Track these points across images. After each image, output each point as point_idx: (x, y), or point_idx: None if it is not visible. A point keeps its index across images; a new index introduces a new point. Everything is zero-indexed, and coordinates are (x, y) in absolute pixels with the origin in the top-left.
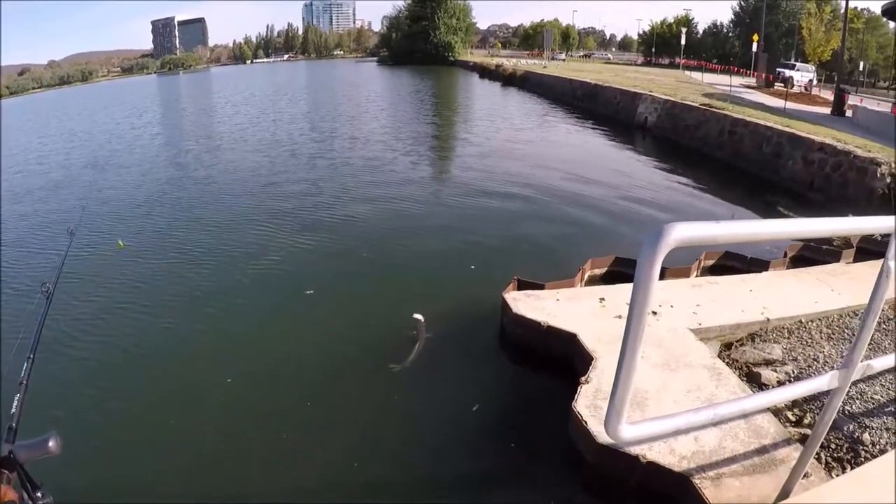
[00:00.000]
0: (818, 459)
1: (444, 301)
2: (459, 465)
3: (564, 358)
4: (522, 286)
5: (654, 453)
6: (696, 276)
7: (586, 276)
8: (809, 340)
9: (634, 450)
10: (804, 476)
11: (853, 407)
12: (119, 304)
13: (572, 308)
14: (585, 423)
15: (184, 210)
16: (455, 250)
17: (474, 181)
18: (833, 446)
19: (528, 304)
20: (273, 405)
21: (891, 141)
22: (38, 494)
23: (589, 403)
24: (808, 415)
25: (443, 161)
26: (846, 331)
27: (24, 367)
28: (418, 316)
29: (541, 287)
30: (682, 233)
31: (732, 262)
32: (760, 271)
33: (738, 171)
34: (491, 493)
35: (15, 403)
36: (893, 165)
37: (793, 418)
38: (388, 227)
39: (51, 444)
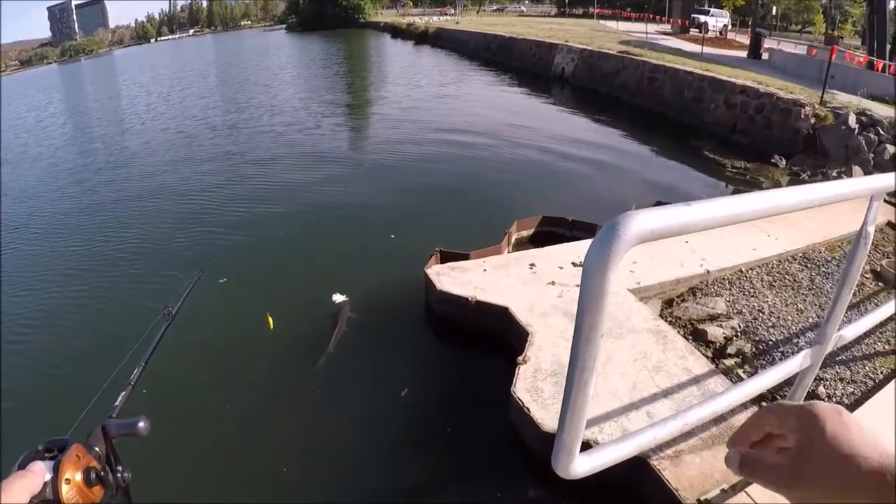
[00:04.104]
0: None
1: (366, 279)
2: (392, 455)
3: (498, 333)
4: (445, 258)
5: (604, 436)
6: None
7: (513, 240)
8: (752, 290)
9: (585, 436)
10: None
11: None
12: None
13: (501, 278)
14: (528, 409)
15: (87, 195)
16: (374, 221)
17: (389, 147)
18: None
19: (454, 279)
20: (182, 408)
21: (809, 82)
22: (119, 468)
23: (529, 386)
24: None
25: (356, 128)
26: (787, 277)
27: (136, 372)
28: (340, 297)
29: (465, 257)
30: (643, 225)
31: None
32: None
33: (659, 117)
34: (430, 484)
35: (120, 398)
36: (816, 106)
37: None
38: (302, 203)
39: (140, 425)
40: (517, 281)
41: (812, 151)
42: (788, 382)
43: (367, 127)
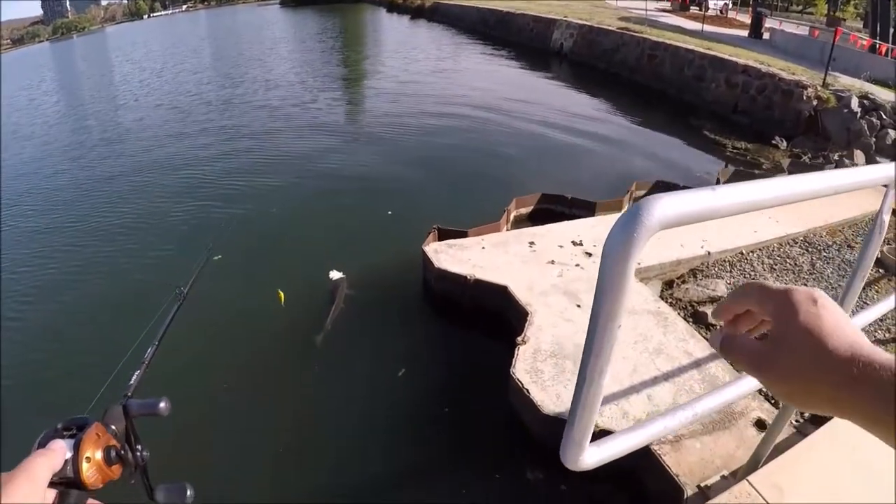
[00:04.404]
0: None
1: (363, 255)
2: (388, 435)
3: (496, 312)
4: (443, 235)
5: (605, 419)
6: (628, 208)
7: (512, 218)
8: (752, 273)
9: None
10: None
11: None
12: None
13: (500, 256)
14: (527, 391)
15: (82, 171)
16: (371, 197)
17: (386, 122)
18: None
19: (452, 257)
20: (183, 387)
21: (811, 63)
22: (138, 447)
23: (529, 368)
24: None
25: (353, 103)
26: (788, 260)
27: (149, 350)
28: (337, 274)
29: (464, 234)
30: (667, 210)
31: (664, 191)
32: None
33: (659, 95)
34: (427, 464)
35: (135, 376)
36: (819, 88)
37: None
38: (298, 178)
39: (161, 405)
40: (516, 259)
41: (813, 134)
42: None
43: (363, 102)
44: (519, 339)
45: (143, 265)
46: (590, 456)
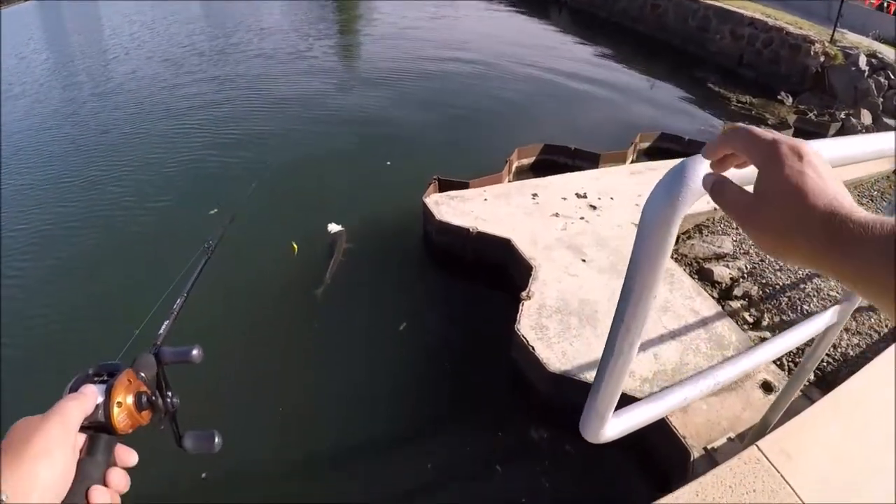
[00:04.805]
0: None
1: (362, 207)
2: (389, 391)
3: (499, 266)
4: (444, 186)
5: None
6: (632, 160)
7: (514, 168)
8: None
9: (590, 377)
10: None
11: (811, 306)
12: None
13: (502, 208)
14: (532, 348)
15: (75, 128)
16: (369, 147)
17: (384, 70)
18: (794, 351)
19: (453, 208)
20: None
21: (819, 19)
22: (169, 394)
23: (534, 324)
24: (765, 315)
25: (349, 51)
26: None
27: (178, 302)
28: (336, 227)
29: (465, 186)
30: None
31: (669, 143)
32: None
33: (662, 45)
34: (428, 422)
35: (164, 326)
36: (826, 44)
37: (751, 320)
38: (294, 128)
39: (194, 353)
40: (519, 211)
41: (819, 90)
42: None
43: (360, 48)
44: (523, 294)
45: (141, 221)
46: (611, 428)
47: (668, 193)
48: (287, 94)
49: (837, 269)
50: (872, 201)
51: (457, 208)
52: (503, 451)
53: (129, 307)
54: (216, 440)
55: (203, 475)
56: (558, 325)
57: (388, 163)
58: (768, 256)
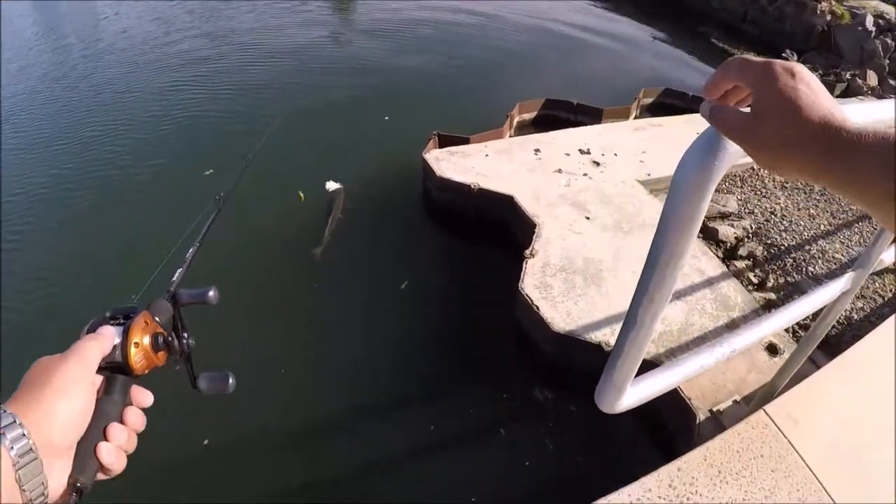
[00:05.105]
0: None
1: (359, 164)
2: (391, 351)
3: (501, 223)
4: (444, 142)
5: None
6: (636, 116)
7: (515, 123)
8: (764, 190)
9: (597, 338)
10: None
11: (816, 268)
12: None
13: (505, 164)
14: (537, 307)
15: (65, 92)
16: (365, 101)
17: (378, 20)
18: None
19: (454, 164)
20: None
21: None
22: (185, 335)
23: (538, 283)
24: (770, 276)
25: (344, 3)
26: (799, 179)
27: (191, 251)
28: (334, 185)
29: (466, 141)
30: None
31: (673, 99)
32: None
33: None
34: (430, 381)
35: (177, 274)
36: (833, 3)
37: (755, 280)
38: (288, 80)
39: (210, 293)
40: (521, 167)
41: (825, 50)
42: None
43: (355, 2)
44: (527, 252)
45: (137, 181)
46: (627, 398)
47: (703, 156)
48: (281, 48)
49: (834, 178)
50: None
51: (457, 164)
52: (507, 413)
53: (141, 257)
54: (230, 381)
55: (205, 442)
56: (563, 284)
57: (387, 118)
58: (773, 216)
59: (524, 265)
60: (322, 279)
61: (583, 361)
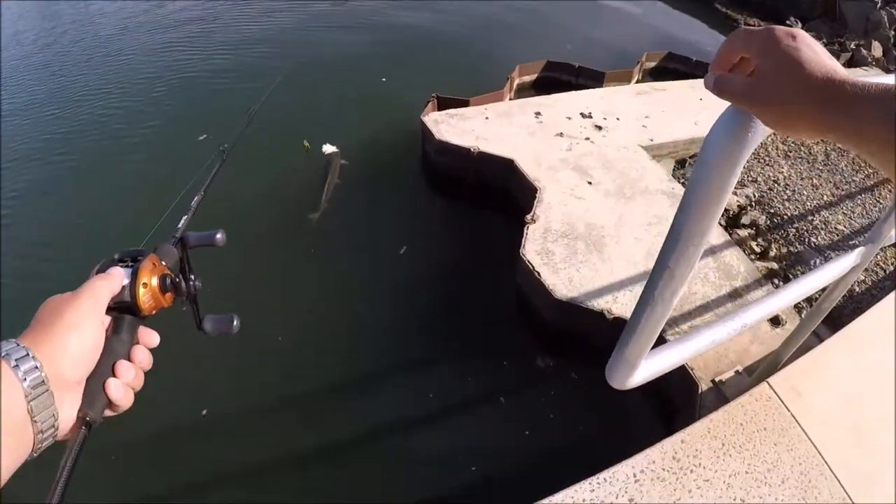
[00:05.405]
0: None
1: (357, 127)
2: (388, 317)
3: (501, 188)
4: (443, 104)
5: (619, 306)
6: (638, 80)
7: (515, 86)
8: (767, 158)
9: (599, 305)
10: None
11: (819, 239)
12: None
13: (505, 127)
14: (538, 273)
15: (53, 56)
16: (362, 63)
17: None
18: None
19: (454, 127)
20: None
21: None
22: (192, 277)
23: (539, 248)
24: (772, 245)
25: None
26: (802, 148)
27: (196, 199)
28: (330, 148)
29: (465, 104)
30: None
31: (676, 64)
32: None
33: None
34: (428, 349)
35: (183, 220)
36: None
37: (758, 249)
38: (284, 37)
39: (218, 236)
40: (522, 131)
41: (830, 19)
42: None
43: None
44: (528, 217)
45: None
46: (639, 375)
47: (735, 126)
48: (277, 6)
49: (839, 130)
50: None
51: (457, 127)
52: (507, 381)
53: (146, 207)
54: (234, 322)
55: (203, 412)
56: (564, 250)
57: (384, 79)
58: (776, 184)
59: (525, 230)
60: (319, 244)
61: (585, 329)
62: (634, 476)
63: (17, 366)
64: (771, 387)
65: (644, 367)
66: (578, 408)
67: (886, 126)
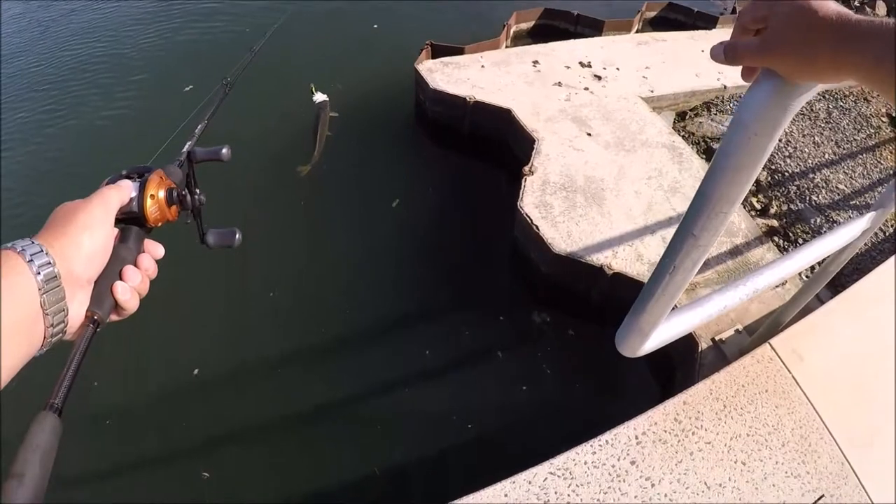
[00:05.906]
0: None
1: (348, 74)
2: (382, 270)
3: (497, 138)
4: (438, 52)
5: (619, 261)
6: (637, 30)
7: (512, 33)
8: None
9: (598, 260)
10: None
11: (819, 197)
12: None
13: (502, 76)
14: (536, 227)
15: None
16: (351, 6)
17: None
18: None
19: (448, 76)
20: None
21: None
22: (197, 191)
23: (537, 201)
24: (773, 202)
25: None
26: (804, 105)
27: (200, 126)
28: (321, 97)
29: (460, 51)
30: None
31: (677, 14)
32: (708, 28)
33: None
34: (424, 303)
35: (188, 144)
36: None
37: (758, 206)
38: None
39: (224, 151)
40: (519, 80)
41: None
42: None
43: None
44: (526, 168)
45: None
46: (650, 344)
47: (773, 91)
48: None
49: (858, 68)
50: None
51: (452, 76)
52: (504, 337)
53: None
54: (237, 236)
55: (195, 371)
56: (563, 203)
57: (375, 26)
58: (778, 141)
59: (523, 182)
60: (309, 196)
61: (582, 285)
62: (636, 438)
63: (31, 260)
64: (773, 348)
65: (655, 335)
66: (575, 363)
67: None
